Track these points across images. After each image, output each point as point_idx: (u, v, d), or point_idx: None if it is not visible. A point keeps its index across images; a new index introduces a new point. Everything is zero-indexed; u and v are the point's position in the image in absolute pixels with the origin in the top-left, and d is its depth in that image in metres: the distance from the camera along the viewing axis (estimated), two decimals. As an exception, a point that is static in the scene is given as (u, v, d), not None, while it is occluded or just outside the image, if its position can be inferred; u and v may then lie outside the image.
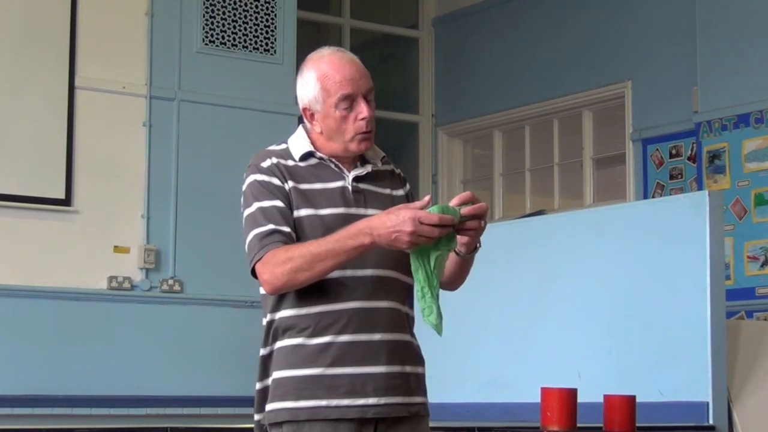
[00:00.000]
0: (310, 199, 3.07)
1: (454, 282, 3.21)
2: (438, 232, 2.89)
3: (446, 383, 6.62)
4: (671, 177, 9.12)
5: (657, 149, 9.24)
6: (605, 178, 10.05)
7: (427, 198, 2.97)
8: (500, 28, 10.73)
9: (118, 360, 8.49)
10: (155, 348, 8.64)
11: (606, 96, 9.83)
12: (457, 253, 3.10)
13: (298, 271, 2.95)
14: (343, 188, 3.11)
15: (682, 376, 5.93)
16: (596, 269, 6.50)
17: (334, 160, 3.14)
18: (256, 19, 9.29)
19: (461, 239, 3.05)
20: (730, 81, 8.55)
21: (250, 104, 9.20)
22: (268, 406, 3.12)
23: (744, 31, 8.52)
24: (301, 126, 3.23)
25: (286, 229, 3.02)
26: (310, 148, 3.14)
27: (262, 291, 3.10)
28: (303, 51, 9.77)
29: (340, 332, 3.02)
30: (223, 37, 9.17)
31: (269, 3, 9.33)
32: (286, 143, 3.20)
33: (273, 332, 3.10)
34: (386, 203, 3.15)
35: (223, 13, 9.17)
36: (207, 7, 9.10)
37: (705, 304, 5.88)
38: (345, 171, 3.14)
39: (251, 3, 9.26)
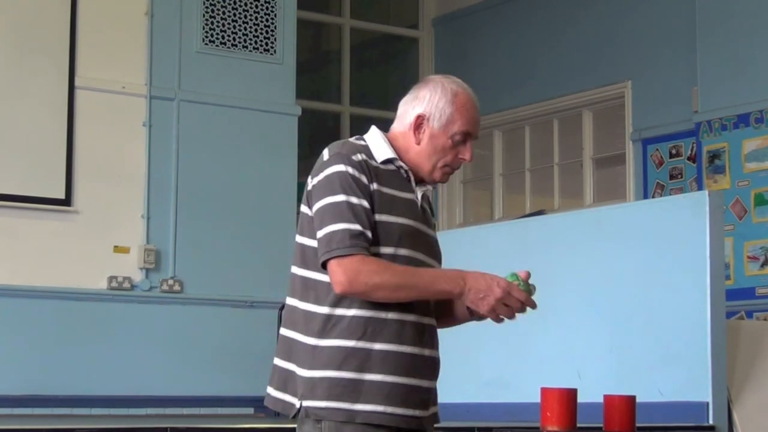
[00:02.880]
0: (390, 204, 3.04)
1: (447, 323, 3.22)
2: (518, 308, 3.00)
3: (446, 383, 6.61)
4: (671, 177, 9.12)
5: (657, 149, 9.24)
6: (605, 178, 10.05)
7: (525, 272, 3.07)
8: (500, 29, 10.73)
9: (118, 360, 8.49)
10: (155, 348, 8.64)
11: (606, 96, 9.83)
12: (471, 313, 3.13)
13: (379, 289, 2.92)
14: (414, 201, 3.11)
15: (682, 376, 5.93)
16: (596, 269, 6.50)
17: (410, 171, 3.13)
18: (256, 18, 9.29)
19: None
20: (730, 81, 8.55)
21: (250, 104, 9.19)
22: (332, 403, 2.96)
23: (744, 31, 8.52)
24: (377, 130, 3.18)
25: (369, 233, 2.97)
26: (394, 154, 3.11)
27: (315, 277, 3.02)
28: (303, 50, 9.81)
29: (403, 342, 3.01)
30: (223, 37, 9.17)
31: (269, 3, 9.33)
32: (365, 141, 3.15)
33: (330, 326, 3.00)
34: (432, 227, 3.19)
35: (223, 13, 9.17)
36: (207, 7, 9.10)
37: (705, 304, 5.88)
38: (413, 185, 3.13)
39: (251, 3, 9.26)
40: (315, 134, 11.37)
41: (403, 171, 3.11)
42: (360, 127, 11.38)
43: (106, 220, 8.66)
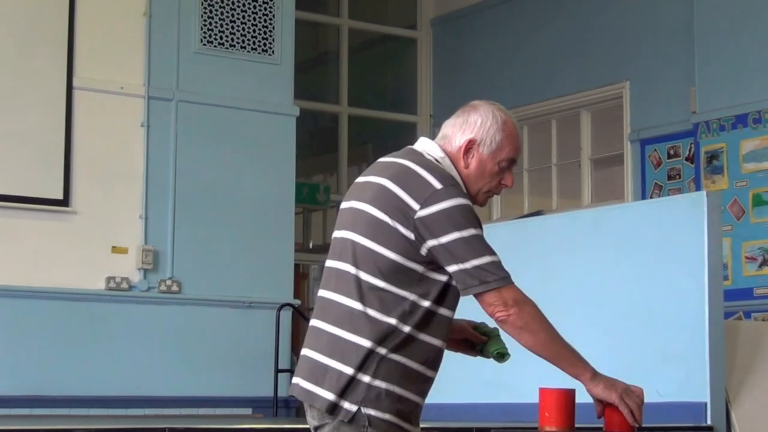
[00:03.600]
0: None
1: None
2: (638, 413, 3.23)
3: (444, 384, 6.61)
4: (669, 177, 9.12)
5: (655, 150, 9.25)
6: (603, 179, 10.05)
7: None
8: (498, 29, 10.74)
9: (116, 360, 8.49)
10: (153, 348, 8.64)
11: (604, 96, 9.84)
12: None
13: (537, 332, 3.12)
14: None
15: (680, 377, 5.94)
16: (594, 269, 6.50)
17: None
18: (254, 19, 9.29)
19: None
20: (728, 82, 8.55)
21: (249, 104, 9.19)
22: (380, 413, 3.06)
23: (742, 32, 8.52)
24: (447, 158, 3.18)
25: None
26: (465, 191, 3.16)
27: (390, 289, 3.05)
28: (301, 51, 9.81)
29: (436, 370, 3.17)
30: (221, 38, 9.17)
31: (267, 3, 9.33)
32: (441, 164, 3.16)
33: (400, 340, 3.06)
34: None
35: (221, 13, 9.17)
36: (205, 8, 9.10)
37: (703, 305, 5.88)
38: None
39: (249, 3, 9.26)
40: (313, 135, 11.37)
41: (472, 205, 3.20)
42: (357, 127, 11.41)
43: (104, 220, 8.66)
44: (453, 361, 6.54)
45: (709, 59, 8.68)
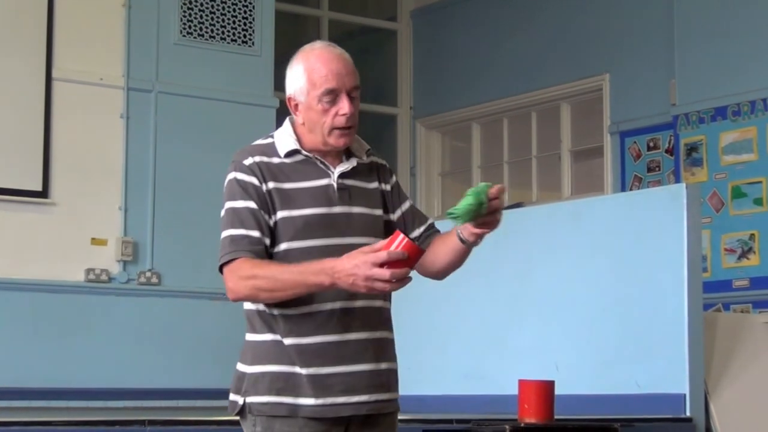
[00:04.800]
0: (293, 198, 3.07)
1: (447, 270, 3.18)
2: (389, 274, 2.85)
3: (424, 375, 6.62)
4: (649, 170, 9.14)
5: (635, 142, 9.26)
6: (583, 171, 10.06)
7: (392, 236, 2.92)
8: (479, 21, 10.73)
9: (96, 352, 8.47)
10: (133, 340, 8.62)
11: (584, 89, 9.85)
12: (462, 241, 3.07)
13: (260, 290, 3.00)
14: (328, 186, 3.11)
15: (659, 369, 5.95)
16: (574, 261, 6.51)
17: (319, 157, 3.13)
18: (234, 10, 9.27)
19: (473, 229, 3.01)
20: (707, 74, 8.57)
21: (228, 96, 9.17)
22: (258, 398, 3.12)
23: (721, 24, 8.54)
24: (288, 120, 3.20)
25: (256, 233, 3.03)
26: (296, 145, 3.13)
27: None
28: (281, 43, 9.80)
29: (328, 332, 3.03)
30: (201, 29, 9.14)
31: (247, -5, 9.31)
32: (273, 137, 3.18)
33: (260, 322, 3.11)
34: (374, 198, 3.17)
35: (201, 4, 9.15)
36: (185, -1, 9.08)
37: (682, 297, 5.90)
38: (330, 168, 3.13)
39: (229, -5, 9.24)
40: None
41: (310, 159, 3.13)
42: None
43: (83, 212, 8.63)
44: (432, 353, 6.52)
45: (688, 52, 8.69)
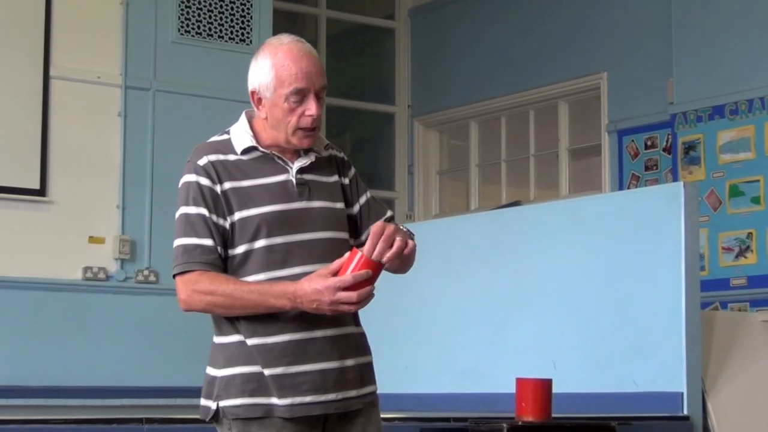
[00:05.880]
0: (251, 195, 3.03)
1: (401, 269, 3.13)
2: (356, 296, 2.86)
3: (421, 374, 6.62)
4: (646, 168, 9.14)
5: (632, 140, 9.26)
6: (581, 170, 10.07)
7: (347, 255, 2.91)
8: (476, 19, 10.74)
9: (93, 351, 8.47)
10: (130, 338, 8.62)
11: (582, 87, 9.85)
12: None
13: (216, 306, 2.99)
14: (287, 182, 3.07)
15: (656, 367, 5.95)
16: (572, 260, 6.51)
17: (276, 153, 3.09)
18: (232, 9, 9.27)
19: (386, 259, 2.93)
20: (705, 73, 8.57)
21: (226, 94, 9.16)
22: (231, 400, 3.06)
23: (719, 23, 8.54)
24: (243, 114, 3.16)
25: (209, 242, 3.01)
26: (252, 142, 3.09)
27: None
28: (279, 41, 9.77)
29: (293, 330, 3.00)
30: (198, 27, 9.14)
31: (245, -7, 9.31)
32: (229, 134, 3.14)
33: (226, 324, 3.10)
34: (335, 192, 3.14)
35: (199, 2, 9.14)
36: (182, -3, 9.08)
37: (680, 295, 5.90)
38: (288, 163, 3.09)
39: (227, -7, 9.24)
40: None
41: (268, 155, 3.09)
42: (335, 117, 11.39)
43: (81, 210, 8.63)
44: (429, 352, 6.52)
45: (686, 50, 8.69)
